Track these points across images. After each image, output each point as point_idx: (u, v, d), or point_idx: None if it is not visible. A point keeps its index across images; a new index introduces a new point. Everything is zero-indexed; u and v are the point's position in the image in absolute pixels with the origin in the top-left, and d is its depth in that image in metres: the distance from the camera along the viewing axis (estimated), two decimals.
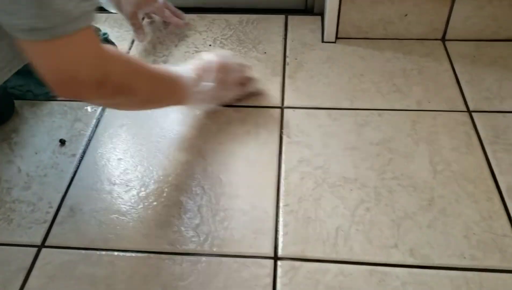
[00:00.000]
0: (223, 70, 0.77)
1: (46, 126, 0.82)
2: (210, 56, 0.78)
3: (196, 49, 0.97)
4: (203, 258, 0.63)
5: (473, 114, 0.81)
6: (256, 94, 0.86)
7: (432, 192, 0.70)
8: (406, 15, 0.92)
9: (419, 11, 0.92)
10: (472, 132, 0.78)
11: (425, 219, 0.66)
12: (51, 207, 0.70)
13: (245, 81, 0.83)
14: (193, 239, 0.65)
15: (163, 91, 0.71)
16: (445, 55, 0.92)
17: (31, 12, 0.45)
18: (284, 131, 0.80)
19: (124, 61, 0.61)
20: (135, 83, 0.62)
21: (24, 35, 0.48)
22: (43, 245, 0.66)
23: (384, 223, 0.66)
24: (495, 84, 0.85)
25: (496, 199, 0.68)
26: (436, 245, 0.64)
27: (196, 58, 0.78)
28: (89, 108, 0.85)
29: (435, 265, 0.61)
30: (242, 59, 0.93)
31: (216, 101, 0.80)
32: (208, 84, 0.75)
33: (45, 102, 0.87)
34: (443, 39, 0.96)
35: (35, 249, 0.65)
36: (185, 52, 0.96)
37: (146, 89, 0.65)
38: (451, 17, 0.92)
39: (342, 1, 0.91)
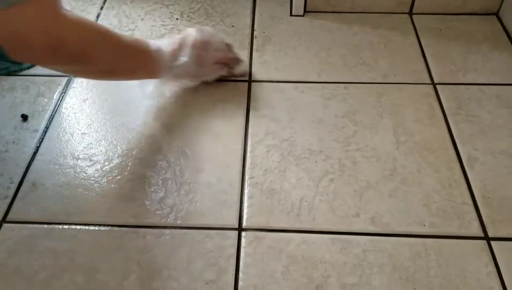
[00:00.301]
0: (201, 47, 0.75)
1: (8, 101, 0.80)
2: (191, 32, 0.76)
3: (163, 23, 0.95)
4: (167, 231, 0.63)
5: (437, 86, 0.82)
6: (241, 76, 0.84)
7: (394, 162, 0.71)
8: None
9: None
10: (436, 104, 0.79)
11: (387, 189, 0.68)
12: (12, 182, 0.69)
13: (229, 61, 0.80)
14: (157, 212, 0.65)
15: (129, 62, 0.69)
16: (412, 29, 0.93)
17: None
18: (251, 104, 0.80)
19: (84, 29, 0.58)
20: (94, 51, 0.60)
21: None
22: (3, 220, 0.65)
23: (347, 193, 0.67)
24: (459, 57, 0.86)
25: (457, 169, 0.70)
26: (397, 213, 0.65)
27: (180, 33, 0.76)
28: (52, 84, 0.83)
29: (395, 232, 0.63)
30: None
31: (193, 77, 0.78)
32: (183, 59, 0.73)
33: (6, 76, 0.84)
34: (410, 13, 0.96)
35: None
36: (152, 26, 0.94)
37: (108, 59, 0.64)
38: None
39: None
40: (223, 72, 0.80)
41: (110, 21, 0.96)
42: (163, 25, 0.94)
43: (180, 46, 0.73)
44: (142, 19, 0.96)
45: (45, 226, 0.64)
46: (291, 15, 0.96)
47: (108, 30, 0.63)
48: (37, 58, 0.56)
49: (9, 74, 0.85)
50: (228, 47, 0.80)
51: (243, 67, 0.83)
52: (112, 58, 0.65)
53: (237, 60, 0.81)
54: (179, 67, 0.73)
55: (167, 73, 0.73)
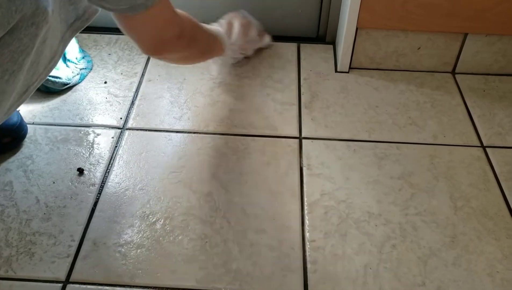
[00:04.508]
0: (245, 26, 0.92)
1: (62, 154, 0.80)
2: (233, 14, 0.93)
3: (211, 76, 0.96)
4: None
5: (487, 149, 0.83)
6: (268, 46, 1.02)
7: (454, 228, 0.71)
8: (419, 48, 0.95)
9: (432, 45, 0.94)
10: (488, 168, 0.80)
11: (450, 256, 0.68)
12: (73, 240, 0.68)
13: (262, 34, 0.99)
14: (222, 277, 0.65)
15: (213, 45, 0.84)
16: (456, 89, 0.95)
17: None
18: (304, 162, 0.80)
19: (188, 19, 0.72)
20: (198, 34, 0.75)
21: (123, 11, 0.57)
22: (67, 281, 0.64)
23: (411, 260, 0.67)
24: (506, 119, 0.88)
25: None
26: (462, 283, 0.65)
27: (223, 17, 0.92)
28: (105, 136, 0.84)
29: None
30: (259, 85, 0.94)
31: (242, 52, 0.95)
32: (236, 38, 0.90)
33: (59, 127, 0.85)
34: (453, 72, 0.98)
35: (60, 285, 0.64)
36: (200, 79, 0.96)
37: (204, 41, 0.79)
38: (462, 52, 0.95)
39: (358, 33, 0.93)
40: (260, 43, 0.99)
41: (159, 72, 0.97)
42: (211, 79, 0.96)
43: (230, 28, 0.90)
44: (190, 72, 0.97)
45: (109, 288, 0.63)
46: (336, 71, 0.98)
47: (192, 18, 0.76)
48: (167, 47, 0.68)
49: (48, 91, 0.91)
50: (257, 22, 0.97)
51: (268, 38, 1.01)
52: (206, 39, 0.80)
53: (264, 31, 1.00)
54: (235, 44, 0.90)
55: (228, 50, 0.88)
